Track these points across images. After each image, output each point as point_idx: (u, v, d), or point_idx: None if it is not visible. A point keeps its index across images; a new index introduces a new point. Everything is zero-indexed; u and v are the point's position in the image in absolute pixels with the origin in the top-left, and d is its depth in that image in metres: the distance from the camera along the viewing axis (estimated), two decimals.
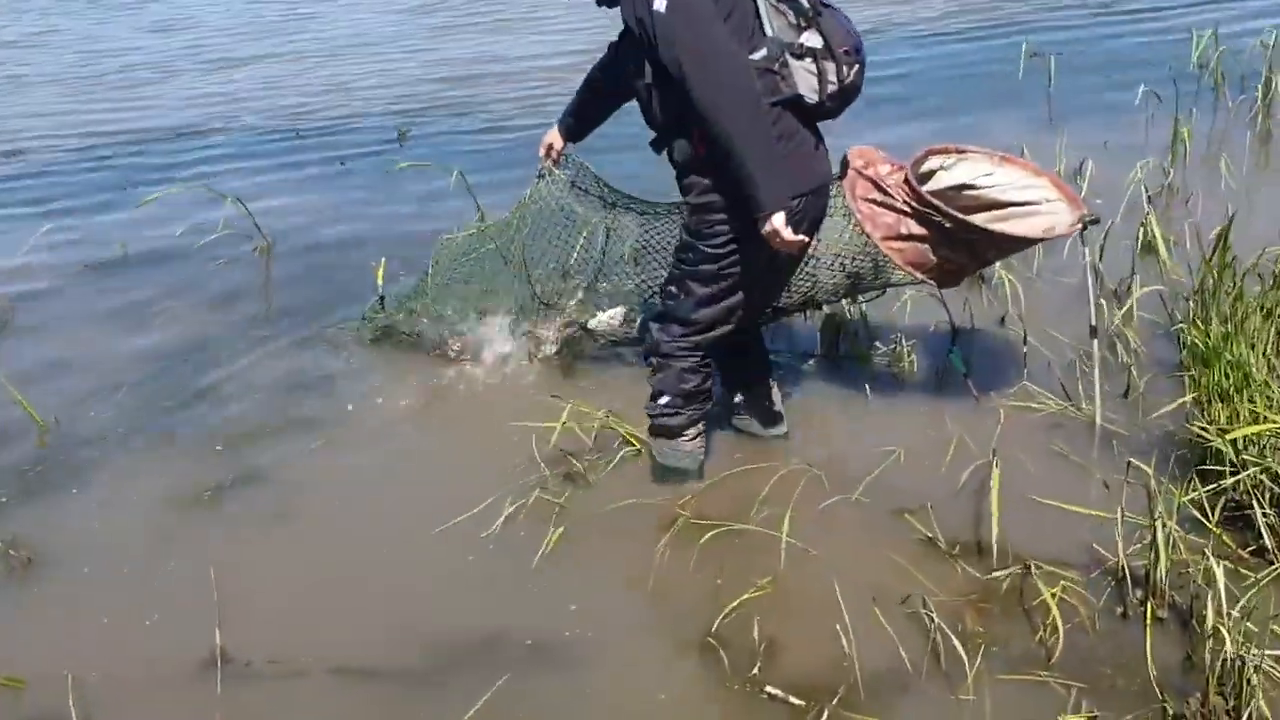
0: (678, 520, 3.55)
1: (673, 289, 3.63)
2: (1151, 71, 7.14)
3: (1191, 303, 4.19)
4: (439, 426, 4.46)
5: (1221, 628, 2.73)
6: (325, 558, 3.63)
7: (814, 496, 3.58)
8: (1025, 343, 4.33)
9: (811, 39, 3.35)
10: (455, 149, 7.62)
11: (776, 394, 4.00)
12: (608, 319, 4.66)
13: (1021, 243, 3.75)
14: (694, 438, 3.78)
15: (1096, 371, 3.84)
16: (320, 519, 3.85)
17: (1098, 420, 3.81)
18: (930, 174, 3.68)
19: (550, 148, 4.20)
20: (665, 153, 3.53)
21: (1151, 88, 6.63)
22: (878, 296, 4.53)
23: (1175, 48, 7.68)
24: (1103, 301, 4.36)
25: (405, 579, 3.50)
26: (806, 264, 4.02)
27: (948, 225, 3.47)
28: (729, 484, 3.75)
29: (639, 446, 3.92)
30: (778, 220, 3.25)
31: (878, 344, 4.51)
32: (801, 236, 3.35)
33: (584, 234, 4.60)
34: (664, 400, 3.73)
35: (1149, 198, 5.06)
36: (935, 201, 3.48)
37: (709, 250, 3.48)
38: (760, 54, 3.30)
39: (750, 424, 4.00)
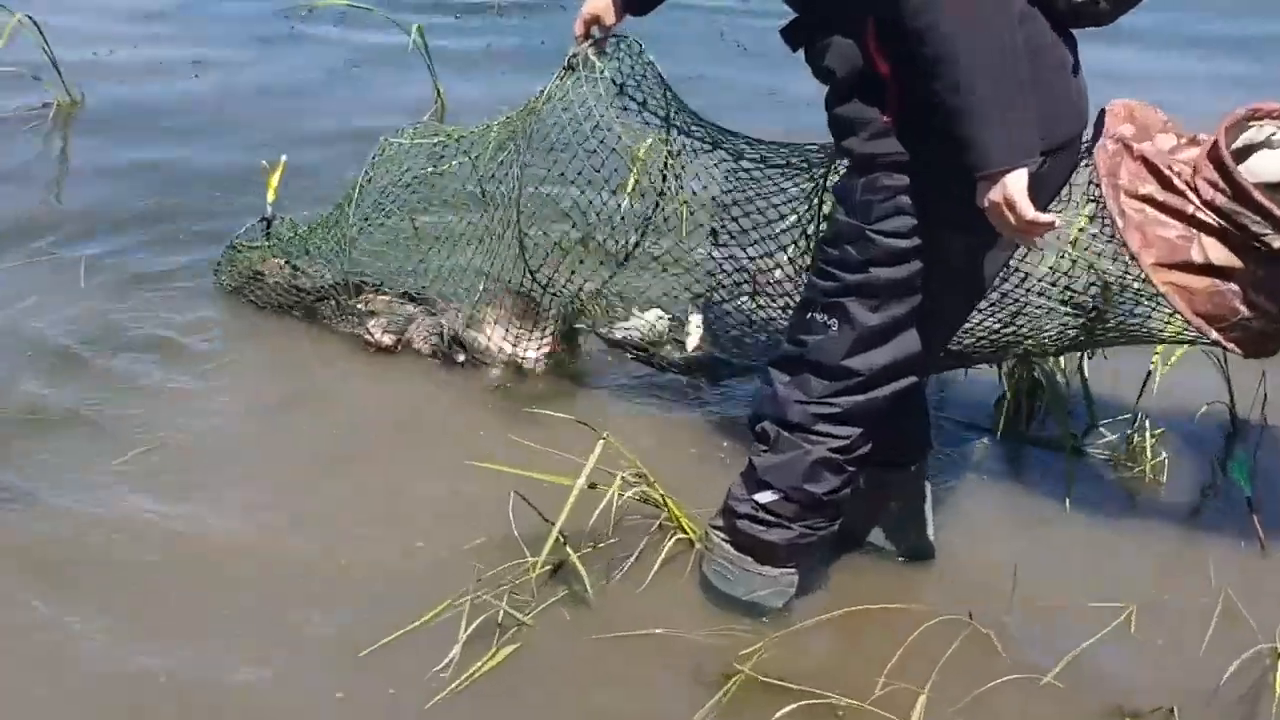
0: (735, 679, 3.54)
1: (815, 315, 3.58)
2: None
3: None
4: (337, 455, 4.51)
5: None
6: (122, 671, 3.61)
7: (974, 668, 3.58)
8: None
9: None
10: None
11: (928, 494, 4.02)
12: (648, 324, 4.72)
13: None
14: (793, 565, 3.81)
15: None
16: (120, 600, 3.84)
17: None
18: (1248, 150, 3.66)
19: (596, 21, 4.22)
20: (807, 52, 3.51)
21: None
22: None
23: None
24: None
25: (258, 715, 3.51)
26: (1008, 278, 4.05)
27: (1277, 245, 3.46)
28: (830, 632, 3.78)
29: (691, 537, 3.98)
30: (1014, 185, 3.19)
31: (1101, 429, 4.59)
32: (1051, 216, 3.31)
33: (631, 175, 4.64)
34: (767, 498, 3.70)
35: None
36: (1266, 200, 3.46)
37: (890, 243, 3.41)
38: None
39: (880, 537, 4.06)
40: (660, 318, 4.76)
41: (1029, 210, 3.16)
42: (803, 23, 3.49)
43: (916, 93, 3.24)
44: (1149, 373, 4.65)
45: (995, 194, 3.18)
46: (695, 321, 4.71)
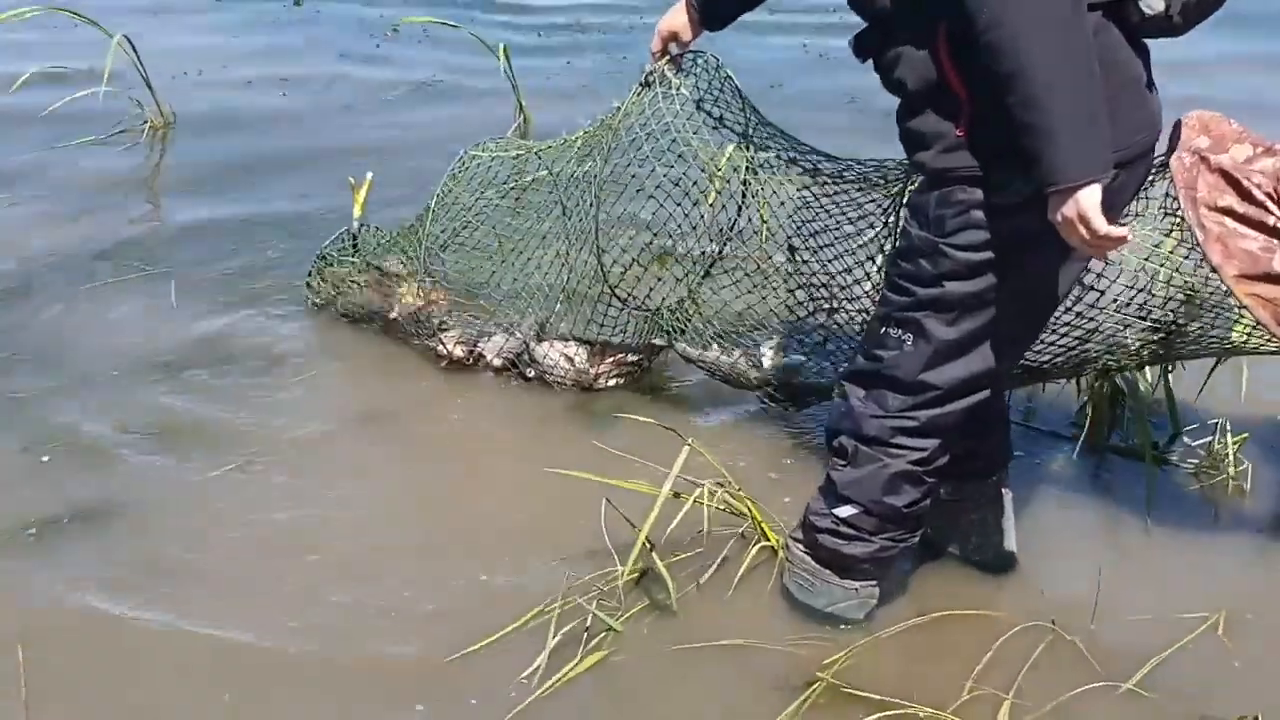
0: (815, 687, 3.56)
1: (891, 331, 3.59)
2: None
3: None
4: (420, 464, 4.58)
5: None
6: (207, 668, 3.66)
7: (1057, 676, 3.59)
8: None
9: None
10: (501, 5, 7.82)
11: (1009, 505, 4.01)
12: (729, 362, 4.71)
13: None
14: (874, 578, 3.83)
15: None
16: (201, 596, 3.90)
17: None
18: None
19: (674, 37, 4.25)
20: (877, 63, 3.51)
21: None
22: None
23: None
24: None
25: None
26: (1083, 297, 4.06)
27: None
28: (911, 641, 3.79)
29: (774, 545, 4.01)
30: (1087, 200, 3.18)
31: (1185, 437, 4.60)
32: (1124, 230, 3.31)
33: (713, 189, 4.66)
34: (847, 512, 3.71)
35: None
36: None
37: (963, 256, 3.41)
38: None
39: (961, 548, 4.08)
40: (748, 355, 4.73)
41: (1102, 225, 3.16)
42: (875, 31, 3.48)
43: (989, 106, 3.23)
44: (1236, 378, 4.64)
45: (1068, 209, 3.17)
46: (767, 350, 4.71)
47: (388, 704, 3.54)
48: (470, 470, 4.55)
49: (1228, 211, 3.56)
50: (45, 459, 4.42)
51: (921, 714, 3.47)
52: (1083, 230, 3.17)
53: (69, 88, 6.44)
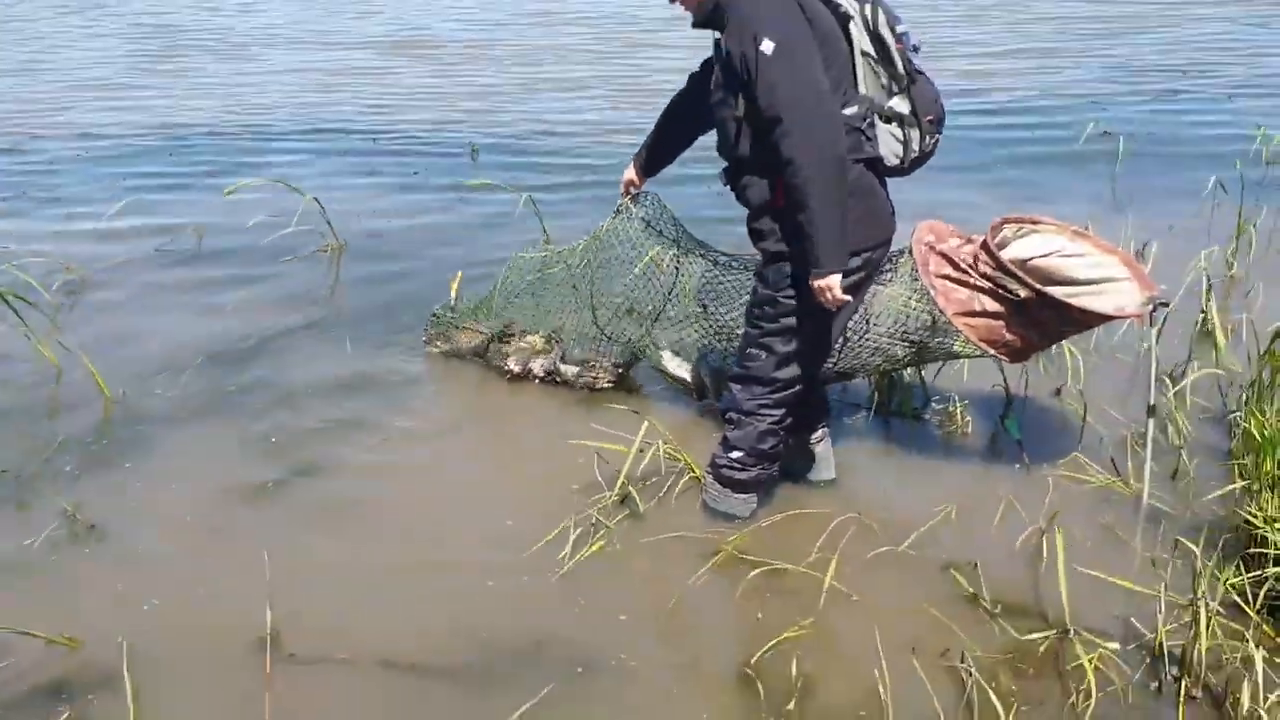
0: (719, 554, 3.63)
1: (753, 350, 3.61)
2: (1220, 157, 7.17)
3: (1246, 394, 4.24)
4: (494, 437, 4.60)
5: (1260, 710, 2.78)
6: (378, 553, 3.75)
7: (862, 545, 3.65)
8: (1085, 418, 4.39)
9: (901, 105, 3.42)
10: (527, 168, 7.83)
11: (828, 441, 4.05)
12: (681, 369, 4.66)
13: (1094, 319, 3.77)
14: (753, 491, 3.83)
15: (1149, 450, 3.89)
16: (373, 516, 3.96)
17: (1145, 498, 3.87)
18: (1003, 243, 3.72)
19: (631, 183, 4.24)
20: (732, 188, 3.56)
21: (1219, 174, 6.64)
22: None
23: (1246, 135, 7.69)
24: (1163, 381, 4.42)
25: (456, 581, 3.61)
26: (869, 331, 4.06)
27: (1022, 295, 3.51)
28: (777, 526, 3.81)
29: (698, 475, 3.99)
30: (832, 280, 3.30)
31: (933, 403, 4.58)
32: (848, 297, 3.39)
33: (658, 271, 4.62)
34: (736, 455, 3.74)
35: (1209, 285, 5.10)
36: (1015, 270, 3.52)
37: (788, 302, 3.50)
38: (851, 110, 3.36)
39: (802, 467, 4.05)
40: (685, 369, 4.64)
41: (839, 293, 3.31)
42: (734, 170, 3.52)
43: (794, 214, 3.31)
44: (960, 368, 4.64)
45: (820, 284, 3.31)
46: (668, 356, 4.66)
47: (494, 576, 3.62)
48: (523, 439, 4.54)
49: (947, 277, 3.63)
50: (274, 440, 4.44)
51: (784, 567, 3.54)
52: (828, 295, 3.32)
53: (279, 227, 6.43)
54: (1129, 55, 10.69)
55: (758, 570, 3.52)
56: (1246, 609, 3.28)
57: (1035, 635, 3.27)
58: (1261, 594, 3.30)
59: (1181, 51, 10.68)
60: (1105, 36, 11.34)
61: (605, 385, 4.75)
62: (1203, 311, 5.00)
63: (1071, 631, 3.24)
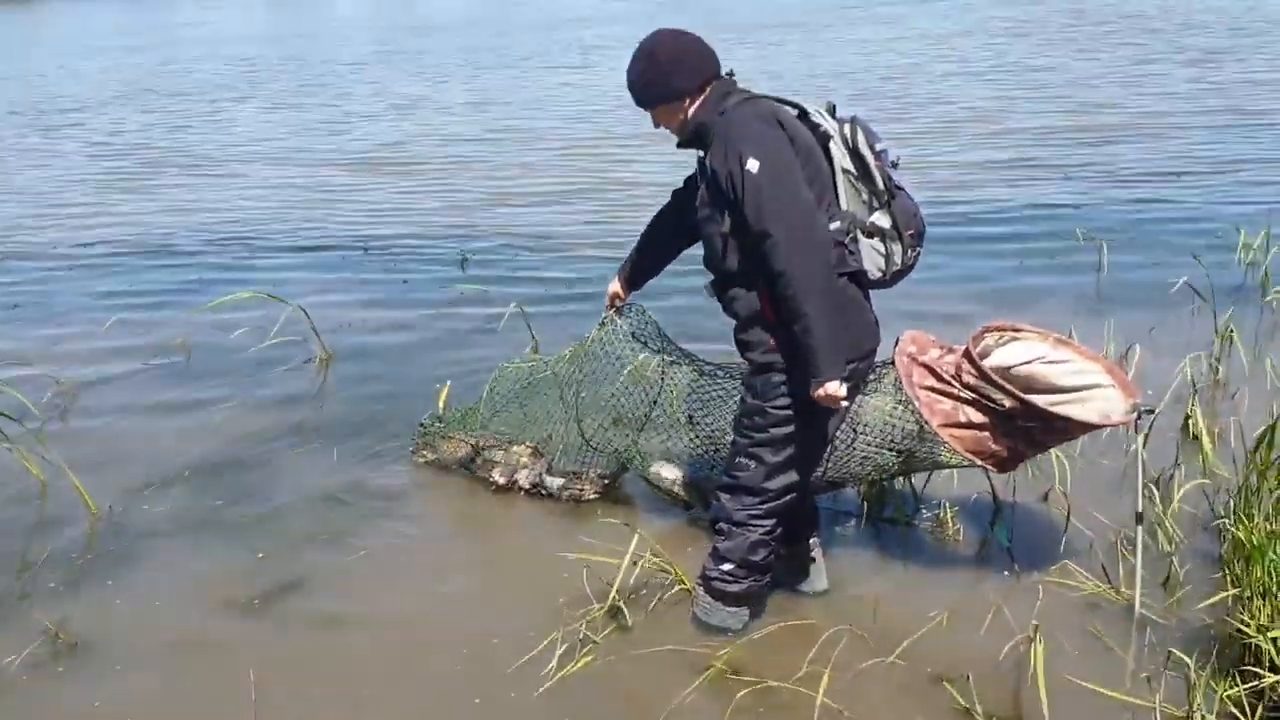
0: (710, 669, 3.59)
1: (742, 460, 3.60)
2: (1201, 260, 7.24)
3: (1234, 499, 4.25)
4: (481, 549, 4.58)
5: None
6: (364, 668, 3.71)
7: (853, 657, 3.61)
8: (1068, 521, 4.38)
9: (882, 219, 3.47)
10: (515, 277, 7.92)
11: (820, 551, 4.03)
12: (670, 479, 4.65)
13: (1079, 428, 3.77)
14: (745, 604, 3.80)
15: (1139, 557, 3.87)
16: (359, 631, 3.93)
17: (1137, 606, 3.83)
18: (986, 352, 3.74)
19: (616, 295, 4.25)
20: (719, 300, 3.59)
21: (1201, 277, 6.69)
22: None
23: (1227, 238, 7.78)
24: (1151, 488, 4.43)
25: (442, 695, 3.57)
26: (856, 440, 4.06)
27: (1006, 405, 3.52)
28: (769, 639, 3.77)
29: (688, 587, 3.97)
30: (832, 387, 3.32)
31: (923, 509, 4.56)
32: (845, 400, 3.42)
33: (642, 381, 4.64)
34: (727, 567, 3.71)
35: (1195, 390, 5.13)
36: (997, 379, 3.53)
37: (777, 413, 3.51)
38: (834, 225, 3.42)
39: (794, 578, 4.02)
40: (677, 478, 4.63)
41: (840, 400, 3.33)
42: (721, 282, 3.55)
43: (786, 326, 3.35)
44: (949, 474, 4.62)
45: (822, 391, 3.32)
46: (666, 468, 4.66)
47: (480, 690, 3.57)
48: (510, 551, 4.53)
49: (930, 388, 3.63)
50: (260, 555, 4.42)
51: (775, 684, 3.49)
52: (827, 400, 3.33)
53: (266, 339, 6.48)
54: (1107, 161, 10.87)
55: (748, 690, 3.47)
56: None
57: None
58: (1260, 707, 3.26)
59: (1159, 159, 10.85)
60: (1085, 145, 11.52)
61: (591, 497, 4.73)
62: (1188, 415, 5.02)
63: None
